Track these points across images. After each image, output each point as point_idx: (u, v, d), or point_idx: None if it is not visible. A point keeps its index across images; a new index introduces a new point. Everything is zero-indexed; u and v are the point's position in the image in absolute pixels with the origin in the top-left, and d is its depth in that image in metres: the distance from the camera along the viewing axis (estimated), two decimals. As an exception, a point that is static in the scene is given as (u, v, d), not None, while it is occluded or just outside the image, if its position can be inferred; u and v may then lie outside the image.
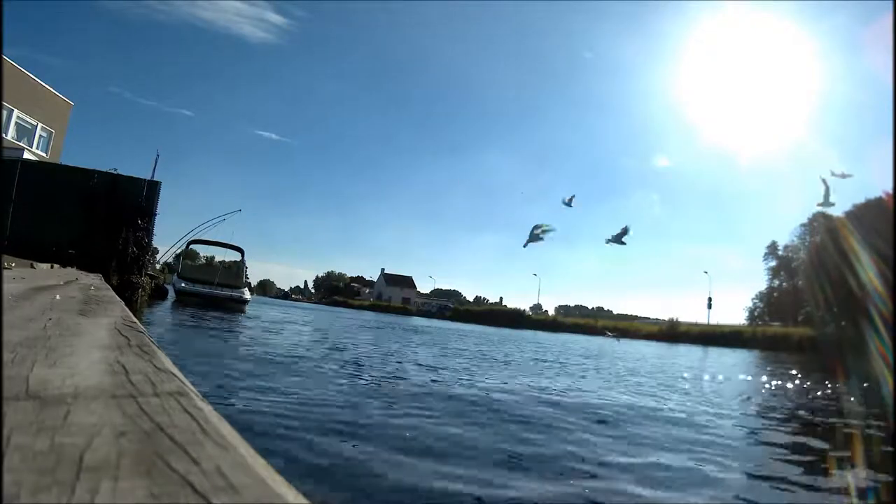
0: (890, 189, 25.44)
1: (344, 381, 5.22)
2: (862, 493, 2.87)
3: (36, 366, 0.85)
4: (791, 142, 66.67)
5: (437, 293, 78.13)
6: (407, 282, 76.39)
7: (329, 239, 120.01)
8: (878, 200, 27.14)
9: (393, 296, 70.22)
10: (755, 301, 40.09)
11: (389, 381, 5.63)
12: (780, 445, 4.13)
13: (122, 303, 2.92)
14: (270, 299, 59.24)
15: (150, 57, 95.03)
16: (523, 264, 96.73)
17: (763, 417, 5.58)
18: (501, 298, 74.31)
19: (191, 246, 20.86)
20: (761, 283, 40.17)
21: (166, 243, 26.47)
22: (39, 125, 19.19)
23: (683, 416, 5.02)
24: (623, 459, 3.18)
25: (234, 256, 22.20)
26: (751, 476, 3.13)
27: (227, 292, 17.65)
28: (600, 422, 4.37)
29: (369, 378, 5.60)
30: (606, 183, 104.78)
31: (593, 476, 2.82)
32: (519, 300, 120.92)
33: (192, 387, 0.78)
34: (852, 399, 7.66)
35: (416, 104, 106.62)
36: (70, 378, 0.78)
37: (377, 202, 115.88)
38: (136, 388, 0.74)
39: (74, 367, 0.87)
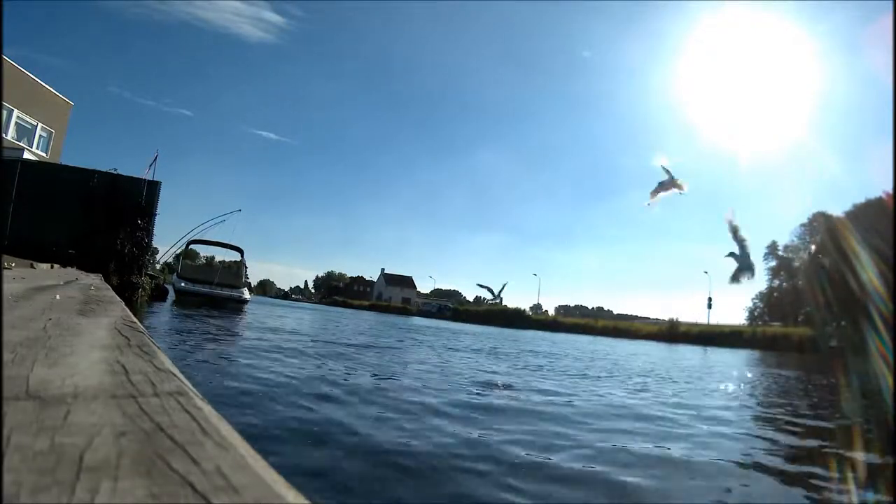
0: (890, 189, 25.50)
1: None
2: (861, 493, 2.86)
3: (36, 366, 0.85)
4: (791, 142, 66.45)
5: (437, 293, 78.16)
6: (407, 282, 76.44)
7: (329, 239, 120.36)
8: (878, 200, 27.20)
9: (393, 296, 70.25)
10: (755, 301, 40.14)
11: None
12: (780, 445, 4.12)
13: (122, 303, 2.92)
14: (270, 299, 59.23)
15: (150, 57, 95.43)
16: (523, 264, 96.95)
17: (763, 417, 5.57)
18: (501, 299, 74.30)
19: (191, 246, 20.89)
20: (761, 283, 40.20)
21: (166, 243, 26.54)
22: (39, 125, 19.19)
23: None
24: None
25: (233, 256, 22.28)
26: (749, 476, 3.12)
27: (226, 292, 17.67)
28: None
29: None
30: (606, 183, 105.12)
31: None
32: (519, 300, 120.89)
33: (191, 386, 0.78)
34: (851, 399, 7.66)
35: (415, 103, 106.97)
36: (70, 378, 0.78)
37: (377, 202, 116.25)
38: (136, 388, 0.74)
39: (74, 367, 0.87)
